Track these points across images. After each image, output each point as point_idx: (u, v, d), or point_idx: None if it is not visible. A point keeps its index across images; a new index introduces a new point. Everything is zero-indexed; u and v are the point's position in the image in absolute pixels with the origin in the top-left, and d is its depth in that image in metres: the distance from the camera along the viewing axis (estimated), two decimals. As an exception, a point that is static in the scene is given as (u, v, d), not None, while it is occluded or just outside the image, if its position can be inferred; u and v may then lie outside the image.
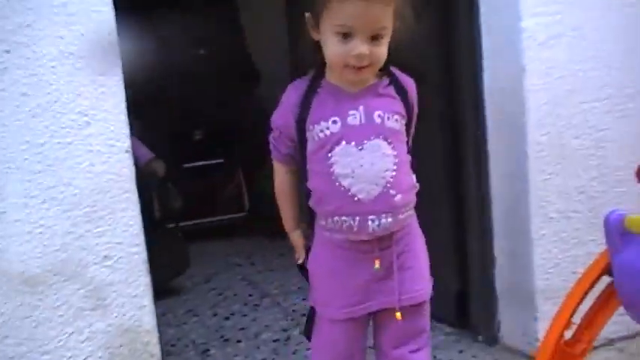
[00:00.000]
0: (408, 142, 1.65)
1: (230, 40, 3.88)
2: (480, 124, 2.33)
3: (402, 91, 1.62)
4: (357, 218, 1.56)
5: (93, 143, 1.83)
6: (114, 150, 1.84)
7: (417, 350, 1.72)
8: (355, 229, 1.57)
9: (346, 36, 1.49)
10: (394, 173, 1.56)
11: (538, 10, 2.16)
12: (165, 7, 3.79)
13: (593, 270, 1.79)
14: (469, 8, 2.29)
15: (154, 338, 1.93)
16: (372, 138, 1.55)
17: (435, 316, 2.49)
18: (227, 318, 3.01)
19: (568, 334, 1.75)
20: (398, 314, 1.63)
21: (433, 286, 1.72)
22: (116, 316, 1.87)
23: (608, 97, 2.28)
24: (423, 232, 1.71)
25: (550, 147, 2.23)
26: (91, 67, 1.81)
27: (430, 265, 1.72)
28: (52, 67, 1.78)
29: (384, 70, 1.61)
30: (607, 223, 1.70)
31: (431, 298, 1.71)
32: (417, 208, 1.67)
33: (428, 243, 1.72)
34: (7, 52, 1.74)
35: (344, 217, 1.57)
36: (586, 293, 1.78)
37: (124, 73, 1.85)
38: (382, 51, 1.53)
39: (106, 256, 1.86)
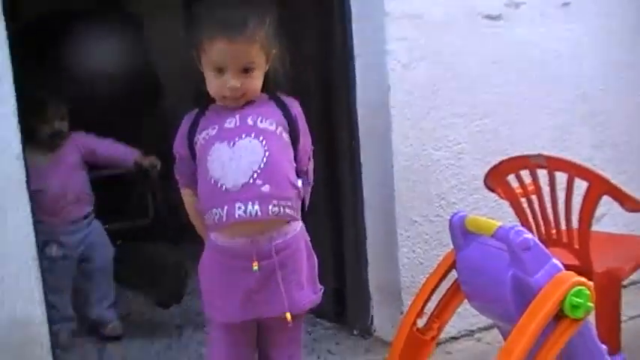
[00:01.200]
0: (296, 155, 1.78)
1: (132, 56, 4.02)
2: (353, 137, 2.56)
3: (282, 105, 1.79)
4: (225, 207, 1.68)
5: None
6: (5, 155, 1.96)
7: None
8: (224, 218, 1.68)
9: (220, 70, 1.69)
10: (262, 165, 1.68)
11: (401, 35, 2.41)
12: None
13: (441, 266, 2.00)
14: (343, 33, 2.52)
15: (43, 329, 2.06)
16: (243, 136, 1.71)
17: (316, 312, 2.71)
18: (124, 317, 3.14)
19: (422, 323, 1.97)
20: (288, 315, 1.73)
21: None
22: (6, 309, 2.00)
23: (465, 114, 2.55)
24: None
25: (413, 158, 2.48)
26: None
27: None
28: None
29: (267, 93, 1.78)
30: (451, 223, 1.92)
31: None
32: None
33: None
34: None
35: (214, 210, 1.70)
36: (436, 286, 1.99)
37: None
38: (254, 82, 1.72)
39: (-3, 254, 1.98)
